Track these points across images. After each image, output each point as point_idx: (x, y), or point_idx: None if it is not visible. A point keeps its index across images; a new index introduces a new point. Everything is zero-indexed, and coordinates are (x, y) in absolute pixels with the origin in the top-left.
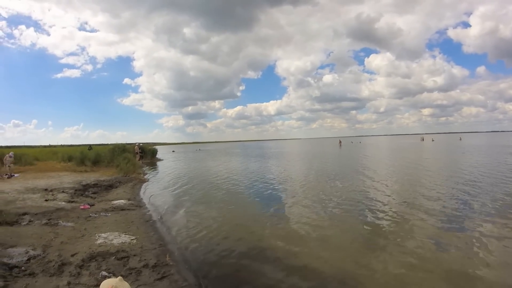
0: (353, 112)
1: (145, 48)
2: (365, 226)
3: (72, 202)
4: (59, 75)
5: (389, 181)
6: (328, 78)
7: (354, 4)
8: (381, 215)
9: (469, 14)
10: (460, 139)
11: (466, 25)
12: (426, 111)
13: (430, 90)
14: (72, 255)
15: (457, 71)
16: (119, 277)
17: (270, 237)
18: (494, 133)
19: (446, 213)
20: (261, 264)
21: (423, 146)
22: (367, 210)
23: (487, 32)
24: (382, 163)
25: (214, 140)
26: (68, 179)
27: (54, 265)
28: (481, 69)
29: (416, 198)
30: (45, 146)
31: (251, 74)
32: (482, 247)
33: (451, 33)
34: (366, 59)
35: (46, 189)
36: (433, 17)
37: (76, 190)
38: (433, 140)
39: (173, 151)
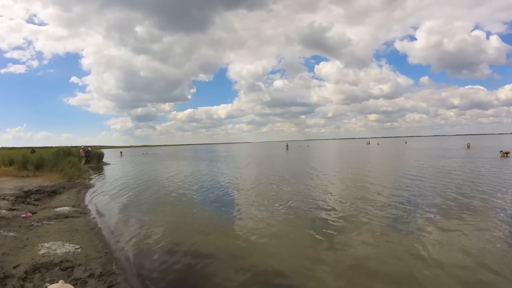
0: (303, 116)
1: (95, 45)
2: (313, 225)
3: (13, 210)
4: (2, 71)
5: (334, 181)
6: (279, 83)
7: (307, 13)
8: (327, 214)
9: (415, 28)
10: (406, 143)
11: (413, 38)
12: (372, 117)
13: (376, 97)
14: (15, 267)
15: (402, 80)
16: (61, 280)
17: (220, 241)
18: (436, 137)
19: (390, 210)
20: (211, 267)
21: (368, 149)
22: (313, 210)
23: (432, 45)
24: (327, 165)
25: (164, 144)
26: (9, 184)
27: None
28: (424, 79)
29: (361, 197)
30: None
31: (203, 77)
32: (424, 243)
33: (398, 45)
34: (316, 66)
35: None
36: (381, 30)
37: (17, 197)
38: (378, 144)
39: (120, 152)
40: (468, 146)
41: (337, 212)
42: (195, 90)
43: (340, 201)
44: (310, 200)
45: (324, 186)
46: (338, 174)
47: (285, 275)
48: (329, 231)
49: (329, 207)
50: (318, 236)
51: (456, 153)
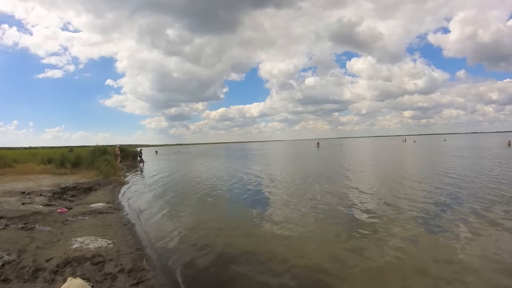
0: (336, 114)
1: (128, 49)
2: (344, 225)
3: (49, 205)
4: (41, 76)
5: (365, 180)
6: (310, 80)
7: (336, 9)
8: (358, 213)
9: (449, 19)
10: (445, 140)
11: (446, 30)
12: (407, 113)
13: (411, 93)
14: (47, 260)
15: (437, 74)
16: (69, 278)
17: (252, 239)
18: (474, 134)
19: (427, 212)
20: (242, 266)
21: (405, 147)
22: (344, 209)
23: (467, 37)
24: (358, 164)
25: (197, 142)
26: (47, 181)
27: (28, 271)
28: (460, 73)
29: (396, 197)
30: (25, 148)
31: (235, 76)
32: (459, 245)
33: (431, 37)
34: (347, 62)
35: (23, 192)
36: (413, 22)
37: (54, 193)
38: (414, 142)
39: (156, 151)
40: (509, 144)
41: (369, 212)
42: (227, 89)
43: (372, 201)
44: (344, 199)
45: (354, 185)
46: (373, 173)
47: (320, 271)
48: (360, 232)
49: (360, 207)
50: (350, 236)
51: (498, 152)
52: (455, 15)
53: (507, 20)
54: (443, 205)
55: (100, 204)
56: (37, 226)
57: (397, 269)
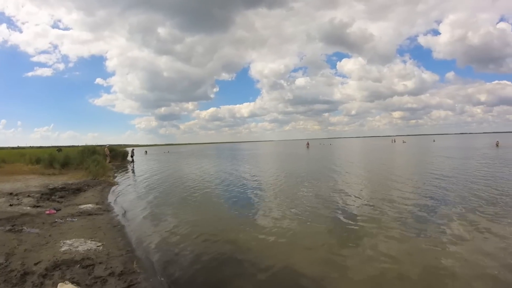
0: (326, 114)
1: (119, 47)
2: (331, 230)
3: (38, 207)
4: (30, 74)
5: (353, 182)
6: (301, 81)
7: (328, 9)
8: (347, 215)
9: (439, 22)
10: (434, 141)
11: (436, 32)
12: (396, 114)
13: (401, 94)
14: (36, 264)
15: (427, 76)
16: (60, 283)
17: (242, 241)
18: (462, 135)
19: (412, 214)
20: (232, 269)
21: (394, 147)
22: (333, 211)
23: (457, 39)
24: (347, 164)
25: (187, 142)
26: (35, 182)
27: (16, 275)
28: (450, 74)
29: (382, 199)
30: (13, 148)
31: (225, 76)
32: (444, 249)
33: (422, 39)
34: (338, 63)
35: (11, 193)
36: (404, 24)
37: (42, 194)
38: (404, 142)
39: (145, 151)
40: (497, 145)
41: (355, 216)
42: (217, 89)
43: (358, 204)
44: (330, 201)
45: (342, 187)
46: (358, 175)
47: (303, 277)
48: (345, 237)
49: (346, 210)
50: (334, 241)
51: (486, 153)
52: (445, 17)
53: (497, 23)
54: (429, 207)
55: (89, 205)
56: (25, 228)
57: (380, 275)
